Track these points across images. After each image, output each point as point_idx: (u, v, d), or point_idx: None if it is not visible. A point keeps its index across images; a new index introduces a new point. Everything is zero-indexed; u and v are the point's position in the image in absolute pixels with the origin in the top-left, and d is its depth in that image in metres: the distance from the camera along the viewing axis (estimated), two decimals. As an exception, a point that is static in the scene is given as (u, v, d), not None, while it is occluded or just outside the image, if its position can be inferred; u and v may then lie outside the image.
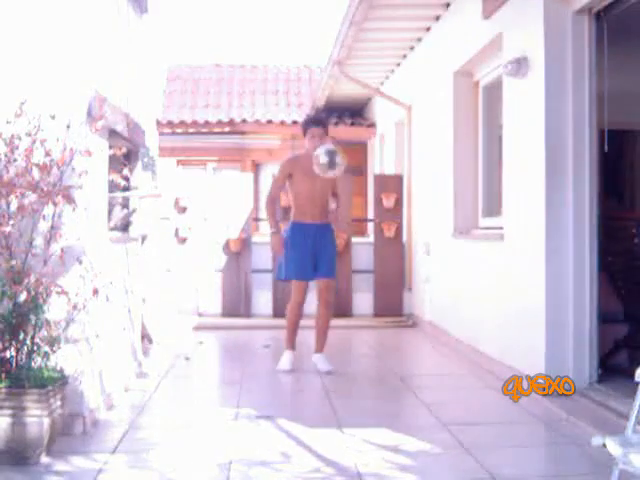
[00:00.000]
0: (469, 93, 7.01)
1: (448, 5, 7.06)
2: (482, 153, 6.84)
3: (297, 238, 5.76)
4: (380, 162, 11.70)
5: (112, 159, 4.70)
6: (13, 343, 3.67)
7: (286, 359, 5.91)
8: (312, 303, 6.03)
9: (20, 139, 3.73)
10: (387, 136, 10.90)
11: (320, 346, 5.91)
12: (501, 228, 5.74)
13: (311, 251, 5.74)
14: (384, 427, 4.20)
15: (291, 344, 5.98)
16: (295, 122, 12.39)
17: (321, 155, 5.51)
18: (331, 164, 5.51)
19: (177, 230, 8.85)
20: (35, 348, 3.69)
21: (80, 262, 3.99)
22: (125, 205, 5.48)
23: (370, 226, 10.75)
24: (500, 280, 5.69)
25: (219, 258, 8.81)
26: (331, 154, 5.51)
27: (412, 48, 8.56)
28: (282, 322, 7.70)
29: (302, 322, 6.02)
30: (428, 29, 7.81)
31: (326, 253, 5.79)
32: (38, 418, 3.51)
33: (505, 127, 5.74)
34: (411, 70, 8.84)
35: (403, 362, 6.67)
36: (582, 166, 4.87)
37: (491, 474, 3.44)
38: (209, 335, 7.74)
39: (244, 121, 12.48)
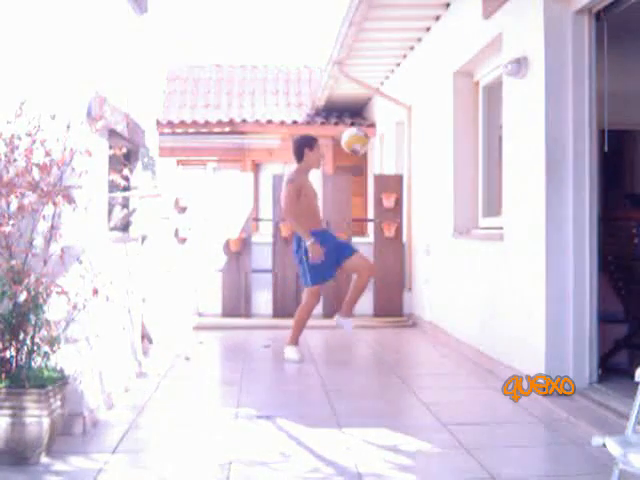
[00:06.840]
0: (469, 93, 7.01)
1: (448, 5, 7.06)
2: (482, 153, 6.84)
3: (320, 245, 6.09)
4: (380, 162, 11.69)
5: (112, 159, 4.70)
6: (13, 343, 3.67)
7: (295, 351, 6.29)
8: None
9: (20, 139, 3.73)
10: (387, 136, 10.89)
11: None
12: (501, 228, 5.74)
13: (331, 252, 6.18)
14: (384, 427, 4.20)
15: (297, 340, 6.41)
16: (295, 122, 12.39)
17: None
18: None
19: (177, 230, 8.84)
20: (35, 348, 3.69)
21: (80, 262, 3.99)
22: (125, 205, 5.47)
23: (370, 226, 10.73)
24: (500, 280, 5.69)
25: (219, 258, 8.81)
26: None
27: (412, 48, 8.56)
28: (282, 322, 7.74)
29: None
30: (428, 29, 7.81)
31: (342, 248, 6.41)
32: (38, 418, 3.51)
33: (505, 127, 5.74)
34: (411, 70, 8.84)
35: (403, 362, 6.67)
36: (582, 166, 4.87)
37: (491, 474, 3.44)
38: (209, 335, 7.74)
39: (244, 121, 12.47)
